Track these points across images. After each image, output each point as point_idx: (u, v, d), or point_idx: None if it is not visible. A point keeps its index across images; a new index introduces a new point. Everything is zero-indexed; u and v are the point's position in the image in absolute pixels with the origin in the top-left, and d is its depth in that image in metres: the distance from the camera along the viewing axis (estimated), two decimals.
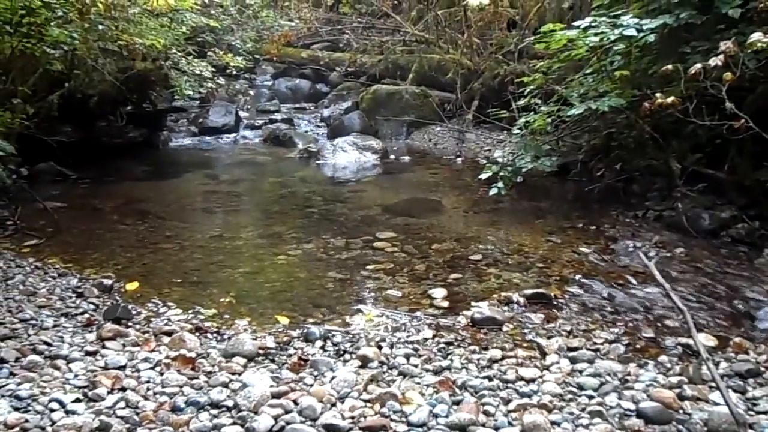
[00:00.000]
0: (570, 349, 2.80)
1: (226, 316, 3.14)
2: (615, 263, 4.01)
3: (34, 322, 2.95)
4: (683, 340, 2.88)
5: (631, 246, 4.26)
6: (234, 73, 8.94)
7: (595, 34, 4.28)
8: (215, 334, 2.92)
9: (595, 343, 2.88)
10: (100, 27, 5.43)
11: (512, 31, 8.18)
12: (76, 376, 2.46)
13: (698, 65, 3.78)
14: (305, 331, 2.90)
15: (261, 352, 2.71)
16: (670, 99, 3.90)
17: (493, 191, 4.99)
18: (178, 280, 3.64)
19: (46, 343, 2.72)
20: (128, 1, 5.15)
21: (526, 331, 3.04)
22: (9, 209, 4.79)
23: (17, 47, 4.81)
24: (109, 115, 7.11)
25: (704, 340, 2.81)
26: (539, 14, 7.57)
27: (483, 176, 5.08)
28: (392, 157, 7.64)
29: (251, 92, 11.32)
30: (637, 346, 2.88)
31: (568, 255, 4.13)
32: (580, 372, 2.60)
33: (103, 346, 2.71)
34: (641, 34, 4.19)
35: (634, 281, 3.68)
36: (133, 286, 3.51)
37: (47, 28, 4.87)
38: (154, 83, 7.37)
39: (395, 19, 9.83)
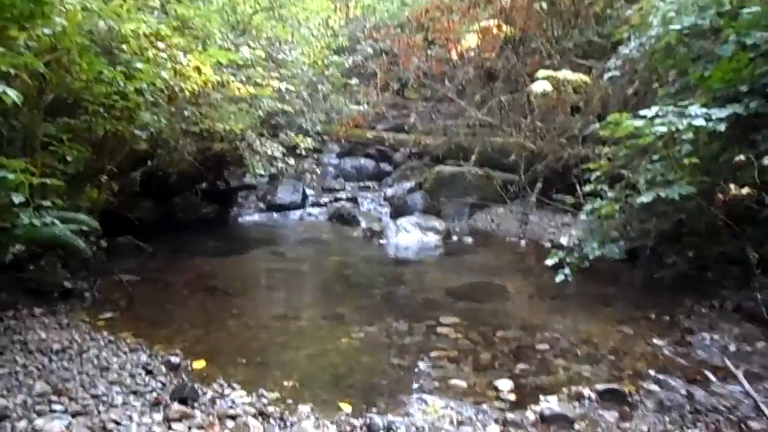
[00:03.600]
0: None
1: (289, 401, 3.13)
2: (692, 357, 3.80)
3: (105, 398, 3.01)
4: None
5: (709, 339, 4.05)
6: (303, 153, 9.28)
7: (663, 124, 4.25)
8: (278, 420, 2.91)
9: None
10: (185, 112, 5.79)
11: (575, 116, 8.22)
12: None
13: None
14: (368, 421, 2.85)
15: None
16: (744, 190, 3.80)
17: (559, 277, 4.88)
18: (243, 360, 3.68)
19: (115, 421, 2.75)
20: (212, 89, 5.48)
21: (599, 430, 2.88)
22: (88, 281, 5.00)
23: (110, 129, 5.16)
24: (185, 192, 7.50)
25: None
26: (603, 100, 7.60)
27: (549, 262, 4.99)
28: (455, 237, 7.64)
29: (317, 170, 11.68)
30: None
31: (641, 347, 3.95)
32: None
33: (169, 428, 2.73)
34: (710, 123, 4.14)
35: (714, 378, 3.47)
36: (199, 364, 3.56)
37: (138, 112, 5.22)
38: (230, 163, 7.75)
39: (459, 104, 10.06)
